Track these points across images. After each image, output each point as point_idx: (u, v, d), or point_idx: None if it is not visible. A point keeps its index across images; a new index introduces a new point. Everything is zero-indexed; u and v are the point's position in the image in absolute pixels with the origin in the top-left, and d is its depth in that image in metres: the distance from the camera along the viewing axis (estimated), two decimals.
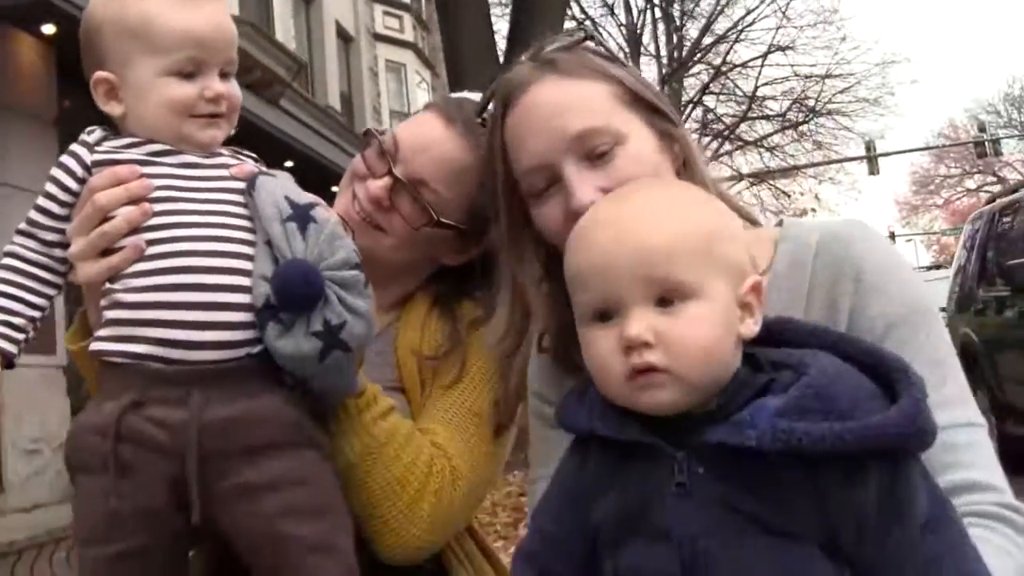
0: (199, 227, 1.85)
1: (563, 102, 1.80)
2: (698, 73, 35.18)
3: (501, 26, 22.44)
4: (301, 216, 1.83)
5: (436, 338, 2.18)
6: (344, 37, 29.74)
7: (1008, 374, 11.18)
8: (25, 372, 13.59)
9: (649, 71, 34.51)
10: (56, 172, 1.94)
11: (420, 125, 2.28)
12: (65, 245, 1.92)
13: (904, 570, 1.38)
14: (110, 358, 1.82)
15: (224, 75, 1.98)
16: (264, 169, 1.98)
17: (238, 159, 2.00)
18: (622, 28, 34.06)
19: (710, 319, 1.44)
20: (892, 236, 63.25)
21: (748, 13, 33.86)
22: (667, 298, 1.44)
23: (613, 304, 1.47)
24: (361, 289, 1.84)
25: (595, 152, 1.76)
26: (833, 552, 1.39)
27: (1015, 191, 12.67)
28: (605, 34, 33.39)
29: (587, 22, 32.59)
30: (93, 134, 1.97)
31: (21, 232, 1.94)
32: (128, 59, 1.94)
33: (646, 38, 34.58)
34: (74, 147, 1.95)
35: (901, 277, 1.76)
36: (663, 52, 34.65)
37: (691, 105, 34.70)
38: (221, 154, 1.98)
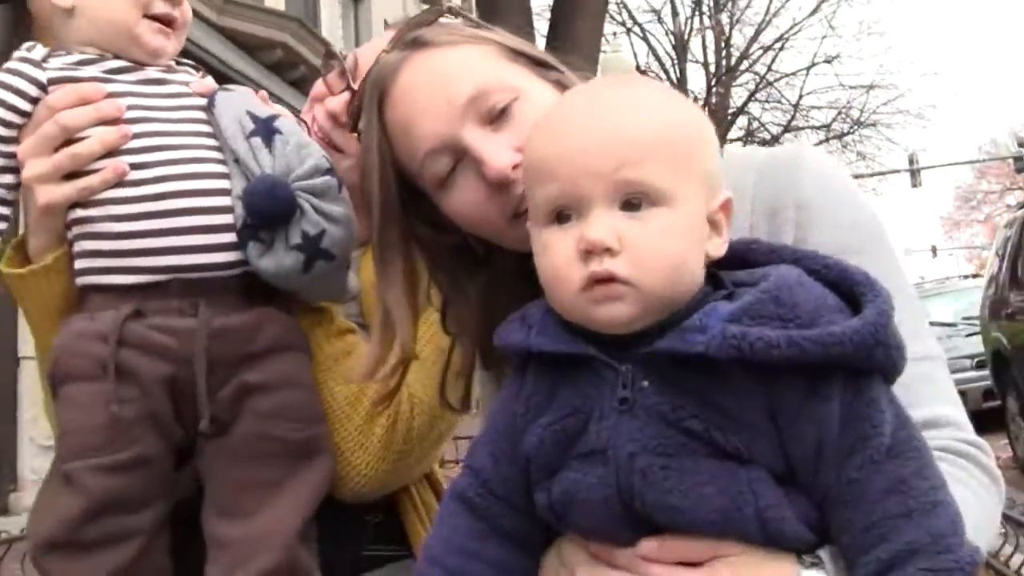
0: (175, 149, 1.81)
1: (444, 71, 1.65)
2: (745, 82, 35.04)
3: (544, 27, 22.61)
4: (265, 130, 1.79)
5: None
6: None
7: None
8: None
9: (696, 78, 34.51)
10: (1, 93, 1.81)
11: (382, 41, 2.06)
12: (13, 170, 1.81)
13: (865, 496, 1.26)
14: (101, 279, 1.77)
15: None
16: (225, 86, 1.92)
17: (185, 75, 1.95)
18: (670, 35, 33.86)
19: (682, 229, 1.32)
20: (934, 251, 63.73)
21: (795, 24, 33.78)
22: (635, 201, 1.31)
23: (575, 201, 1.33)
24: (335, 195, 1.79)
25: (495, 111, 1.61)
26: (787, 481, 1.30)
27: None
28: (653, 40, 33.40)
29: (635, 27, 32.61)
30: (35, 50, 1.85)
31: None
32: None
33: (694, 45, 34.35)
34: (17, 64, 1.83)
35: (848, 201, 1.63)
36: (711, 60, 34.40)
37: (737, 113, 34.61)
38: (176, 70, 1.93)
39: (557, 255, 1.33)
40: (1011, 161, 46.67)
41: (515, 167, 1.57)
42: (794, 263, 1.37)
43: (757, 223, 1.61)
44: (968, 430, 1.57)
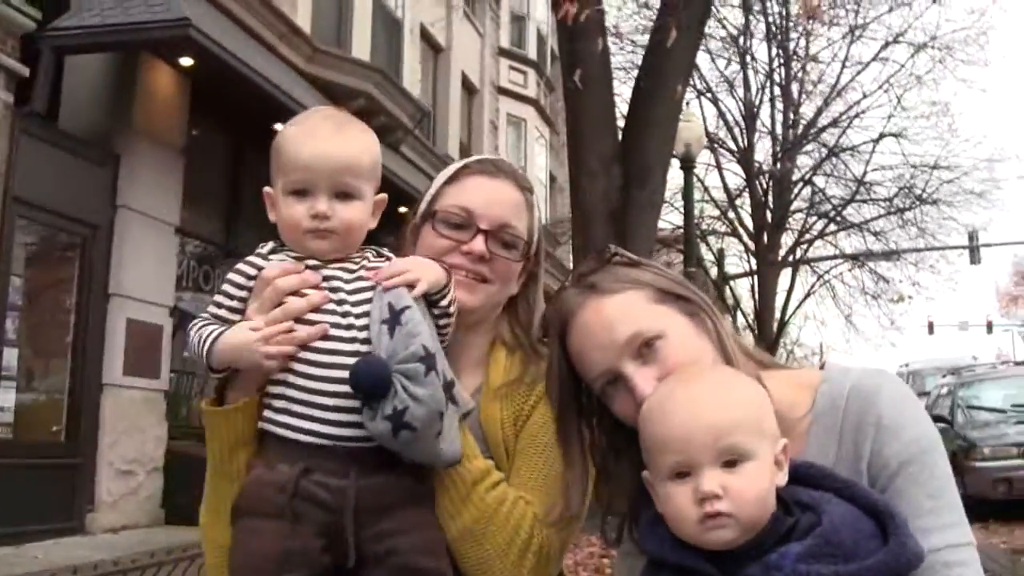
0: (349, 329, 2.22)
1: (608, 318, 2.16)
2: (811, 152, 35.05)
3: (623, 89, 22.33)
4: (393, 319, 2.17)
5: (513, 405, 2.45)
6: (469, 88, 30.19)
7: None
8: (128, 393, 13.94)
9: (763, 147, 34.44)
10: (233, 275, 2.29)
11: (470, 187, 2.56)
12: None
13: None
14: (282, 432, 2.19)
15: (342, 196, 2.27)
16: (386, 284, 2.23)
17: (375, 264, 2.32)
18: (740, 103, 34.03)
19: (763, 475, 1.89)
20: (989, 326, 61.79)
21: (865, 97, 33.97)
22: (731, 460, 1.87)
23: (689, 465, 1.88)
24: (422, 378, 2.12)
25: (646, 349, 2.12)
26: None
27: None
28: (723, 107, 33.47)
29: (708, 94, 32.71)
30: (266, 247, 2.33)
31: (206, 321, 2.27)
32: (274, 177, 2.32)
33: (763, 113, 34.55)
34: (252, 257, 2.30)
35: (913, 421, 2.08)
36: (778, 130, 34.57)
37: (801, 183, 34.62)
38: (357, 262, 2.32)
39: (679, 502, 1.89)
40: None
41: None
42: (840, 491, 1.92)
43: (845, 430, 2.09)
44: None
